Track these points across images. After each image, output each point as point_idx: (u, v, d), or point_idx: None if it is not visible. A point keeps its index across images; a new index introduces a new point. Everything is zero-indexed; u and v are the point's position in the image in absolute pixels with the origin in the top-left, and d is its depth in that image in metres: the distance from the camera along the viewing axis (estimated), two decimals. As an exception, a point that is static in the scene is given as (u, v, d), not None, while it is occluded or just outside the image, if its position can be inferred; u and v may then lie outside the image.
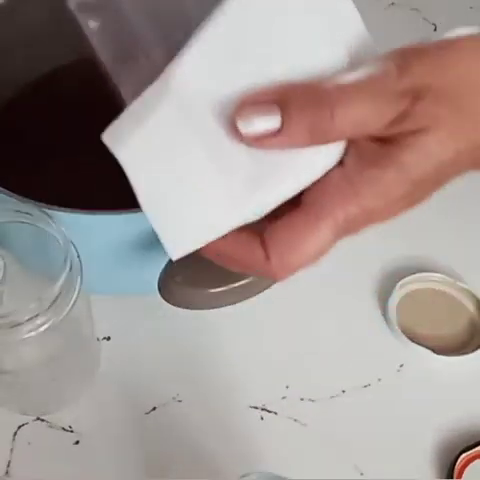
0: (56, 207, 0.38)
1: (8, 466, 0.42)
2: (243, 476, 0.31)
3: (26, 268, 0.44)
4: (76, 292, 0.38)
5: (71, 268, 0.36)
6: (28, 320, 0.35)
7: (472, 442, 0.43)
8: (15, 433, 0.43)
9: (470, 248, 0.53)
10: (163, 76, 0.23)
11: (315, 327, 0.48)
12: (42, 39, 0.55)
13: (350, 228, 0.23)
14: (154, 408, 0.45)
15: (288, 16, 0.22)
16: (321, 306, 0.49)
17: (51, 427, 0.44)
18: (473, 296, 0.49)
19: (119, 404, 0.45)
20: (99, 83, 0.53)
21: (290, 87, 0.22)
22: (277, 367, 0.47)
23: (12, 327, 0.35)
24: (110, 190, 0.48)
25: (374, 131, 0.22)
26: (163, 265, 0.41)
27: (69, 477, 0.42)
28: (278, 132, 0.21)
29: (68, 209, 0.38)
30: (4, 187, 0.39)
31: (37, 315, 0.35)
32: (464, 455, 0.42)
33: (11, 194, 0.39)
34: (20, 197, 0.39)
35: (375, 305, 0.50)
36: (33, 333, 0.36)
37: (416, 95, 0.21)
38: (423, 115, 0.22)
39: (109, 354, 0.47)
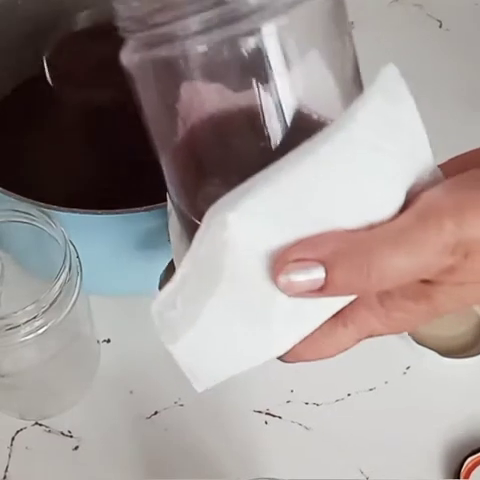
0: (56, 207, 0.38)
1: (6, 471, 0.42)
2: (247, 482, 0.31)
3: (25, 268, 0.44)
4: (75, 293, 0.37)
5: (70, 268, 0.36)
6: (26, 322, 0.35)
7: (479, 445, 0.42)
8: (13, 438, 0.43)
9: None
10: (215, 220, 0.21)
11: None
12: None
13: (371, 337, 0.25)
14: (156, 412, 0.44)
15: (366, 164, 0.22)
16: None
17: (50, 432, 0.43)
18: (480, 297, 0.49)
19: (119, 408, 0.44)
20: (103, 86, 0.53)
21: (337, 244, 0.22)
22: (281, 371, 0.46)
23: (10, 329, 0.35)
24: (110, 190, 0.48)
25: (419, 279, 0.23)
26: (163, 265, 0.40)
27: (68, 483, 0.41)
28: (320, 289, 0.22)
29: (68, 209, 0.38)
30: (4, 187, 0.39)
31: (35, 317, 0.35)
32: (470, 459, 0.42)
33: (10, 194, 0.39)
34: (19, 197, 0.39)
35: (381, 306, 0.49)
36: (31, 335, 0.35)
37: (466, 252, 0.22)
38: (469, 272, 0.22)
39: (109, 357, 0.46)
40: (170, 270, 0.40)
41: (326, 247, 0.21)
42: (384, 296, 0.24)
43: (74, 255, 0.37)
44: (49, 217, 0.37)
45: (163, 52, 0.21)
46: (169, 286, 0.23)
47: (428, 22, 0.68)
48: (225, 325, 0.23)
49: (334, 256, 0.21)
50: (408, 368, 0.46)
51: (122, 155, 0.51)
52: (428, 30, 0.68)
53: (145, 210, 0.38)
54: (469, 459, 0.42)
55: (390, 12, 0.69)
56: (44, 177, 0.50)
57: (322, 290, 0.22)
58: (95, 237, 0.41)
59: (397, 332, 0.25)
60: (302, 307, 0.23)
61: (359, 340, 0.25)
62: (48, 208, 0.38)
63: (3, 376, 0.40)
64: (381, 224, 0.22)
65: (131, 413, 0.44)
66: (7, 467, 0.42)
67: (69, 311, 0.37)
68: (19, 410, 0.44)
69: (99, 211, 0.38)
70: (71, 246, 0.37)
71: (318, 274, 0.21)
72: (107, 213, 0.38)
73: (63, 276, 0.35)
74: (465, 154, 0.25)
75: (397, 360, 0.47)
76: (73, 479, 0.42)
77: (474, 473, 0.41)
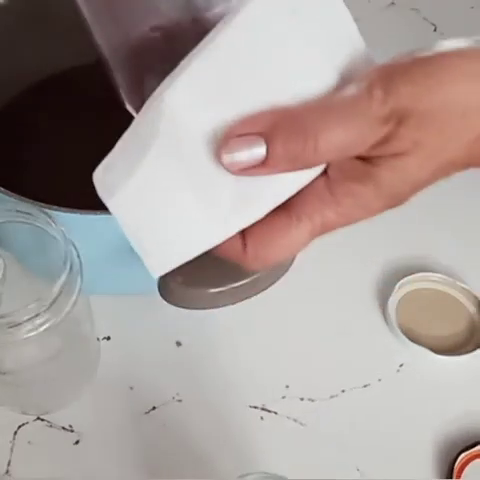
0: (56, 207, 0.38)
1: (8, 465, 0.42)
2: (243, 476, 0.31)
3: (26, 268, 0.44)
4: (76, 292, 0.38)
5: (71, 268, 0.36)
6: (28, 320, 0.35)
7: (471, 442, 0.43)
8: (15, 432, 0.43)
9: (470, 248, 0.53)
10: (154, 102, 0.23)
11: (315, 327, 0.48)
12: (51, 40, 0.55)
13: (326, 231, 0.25)
14: (154, 408, 0.45)
15: (286, 40, 0.22)
16: (321, 306, 0.49)
17: (51, 426, 0.44)
18: (473, 296, 0.49)
19: (119, 404, 0.45)
20: (101, 86, 0.53)
21: (274, 117, 0.22)
22: (277, 367, 0.46)
23: (12, 327, 0.35)
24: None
25: (356, 154, 0.23)
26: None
27: (69, 476, 0.42)
28: (263, 163, 0.22)
29: (68, 209, 0.38)
30: (4, 187, 0.39)
31: (37, 315, 0.35)
32: (463, 455, 0.42)
33: (11, 194, 0.39)
34: (20, 197, 0.39)
35: (375, 305, 0.49)
36: (33, 333, 0.36)
37: (399, 120, 0.22)
38: (405, 140, 0.22)
39: (109, 354, 0.47)
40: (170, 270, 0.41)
41: (265, 121, 0.22)
42: (332, 184, 0.24)
43: (74, 255, 0.38)
44: (49, 217, 0.37)
45: None
46: (109, 155, 0.25)
47: (424, 25, 0.68)
48: (161, 188, 0.23)
49: (273, 129, 0.22)
50: (401, 366, 0.47)
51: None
52: (424, 33, 0.67)
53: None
54: (462, 455, 0.42)
55: (386, 15, 0.69)
56: (44, 177, 0.50)
57: (265, 164, 0.22)
58: (95, 237, 0.41)
59: (351, 222, 0.25)
60: (249, 188, 0.23)
61: (314, 234, 0.25)
62: (48, 208, 0.38)
63: (5, 373, 0.40)
64: (316, 99, 0.22)
65: (130, 408, 0.44)
66: (9, 461, 0.42)
67: (70, 310, 0.37)
68: (21, 405, 0.44)
69: (99, 211, 0.38)
70: (71, 246, 0.37)
71: (260, 148, 0.22)
72: (107, 213, 0.38)
73: (64, 275, 0.35)
74: (406, 53, 0.25)
75: (391, 358, 0.47)
76: (74, 472, 0.42)
77: (467, 469, 0.42)
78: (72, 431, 0.43)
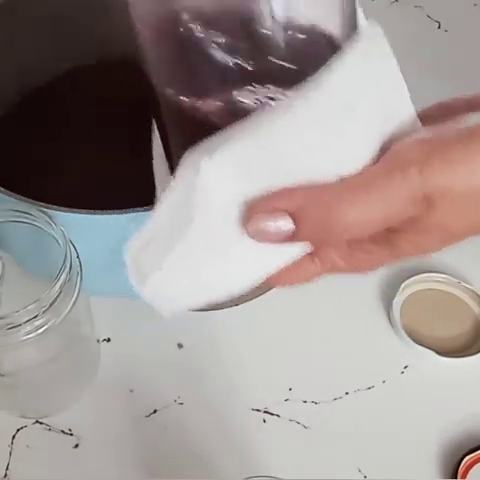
0: (56, 207, 0.38)
1: (7, 469, 0.42)
2: (246, 480, 0.31)
3: (25, 268, 0.44)
4: (75, 293, 0.37)
5: (70, 268, 0.36)
6: (27, 321, 0.35)
7: (476, 444, 0.42)
8: (14, 436, 0.43)
9: (475, 248, 0.52)
10: (188, 170, 0.22)
11: (318, 329, 0.48)
12: (52, 40, 0.55)
13: (332, 273, 0.26)
14: (155, 411, 0.44)
15: (334, 122, 0.22)
16: (325, 307, 0.49)
17: (50, 430, 0.43)
18: (478, 297, 0.49)
19: (119, 407, 0.44)
20: (102, 86, 0.53)
21: (306, 195, 0.22)
22: (279, 369, 0.46)
23: (11, 328, 0.35)
24: (110, 190, 0.48)
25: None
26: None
27: (69, 481, 0.41)
28: (288, 237, 0.23)
29: (68, 209, 0.38)
30: (4, 187, 0.39)
31: (36, 316, 0.35)
32: (468, 457, 0.42)
33: (11, 194, 0.39)
34: (19, 197, 0.39)
35: (379, 306, 0.49)
36: (32, 335, 0.35)
37: (430, 204, 0.22)
38: (431, 223, 0.23)
39: (109, 356, 0.46)
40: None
41: (296, 199, 0.22)
42: (350, 240, 0.25)
43: (74, 255, 0.37)
44: (49, 217, 0.37)
45: None
46: (143, 230, 0.24)
47: (427, 23, 0.68)
48: (192, 266, 0.24)
49: (302, 208, 0.22)
50: (406, 367, 0.46)
51: (122, 155, 0.51)
52: (427, 31, 0.68)
53: (145, 210, 0.38)
54: (467, 458, 0.42)
55: (390, 13, 0.70)
56: (44, 177, 0.50)
57: (289, 239, 0.23)
58: (95, 237, 0.41)
59: (357, 272, 0.26)
60: (268, 250, 0.23)
61: (321, 274, 0.26)
62: (48, 208, 0.38)
63: (4, 375, 0.40)
64: (351, 176, 0.22)
65: (131, 411, 0.44)
66: (8, 465, 0.42)
67: (69, 311, 0.37)
68: (20, 409, 0.44)
69: (99, 211, 0.38)
70: (71, 246, 0.37)
71: (286, 225, 0.22)
72: (107, 213, 0.38)
73: (63, 276, 0.35)
74: (451, 100, 0.25)
75: (395, 359, 0.47)
76: (73, 477, 0.42)
77: (472, 472, 0.41)
78: (71, 435, 0.43)
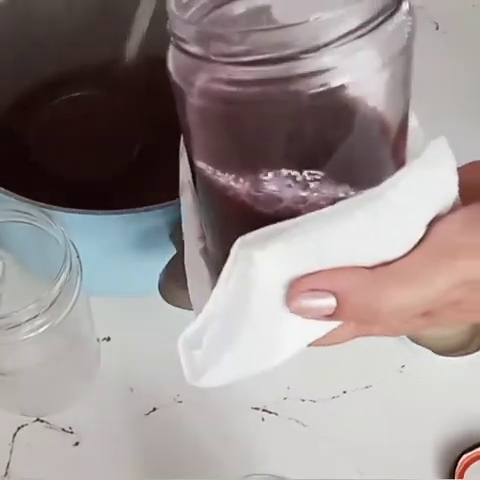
0: (56, 207, 0.38)
1: (7, 467, 0.42)
2: (245, 477, 0.31)
3: (25, 268, 0.44)
4: (76, 292, 0.37)
5: (71, 268, 0.36)
6: (27, 321, 0.35)
7: (473, 443, 0.43)
8: (15, 434, 0.43)
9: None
10: (241, 260, 0.22)
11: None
12: (52, 40, 0.55)
13: (369, 336, 0.27)
14: (154, 409, 0.44)
15: (394, 223, 0.22)
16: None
17: (51, 428, 0.43)
18: (475, 296, 0.49)
19: (119, 405, 0.45)
20: (103, 87, 0.53)
21: (349, 275, 0.23)
22: (278, 368, 0.46)
23: (11, 328, 0.35)
24: (110, 190, 0.48)
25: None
26: (163, 265, 0.41)
27: (69, 479, 0.42)
28: (330, 316, 0.23)
29: (68, 209, 0.38)
30: (4, 187, 0.39)
31: (36, 316, 0.35)
32: (465, 456, 0.42)
33: (11, 194, 0.39)
34: (20, 197, 0.39)
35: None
36: (32, 334, 0.35)
37: (473, 288, 0.22)
38: (472, 304, 0.23)
39: (109, 355, 0.46)
40: (169, 269, 0.40)
41: (340, 280, 0.22)
42: None
43: (74, 255, 0.37)
44: (49, 217, 0.37)
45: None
46: (196, 323, 0.24)
47: (425, 24, 0.68)
48: (244, 357, 0.24)
49: (346, 290, 0.22)
50: (403, 366, 0.47)
51: (122, 155, 0.51)
52: (425, 32, 0.68)
53: (145, 210, 0.38)
54: (464, 456, 0.42)
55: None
56: (44, 177, 0.50)
57: (331, 317, 0.23)
58: (95, 237, 0.41)
59: (393, 336, 0.26)
60: (311, 325, 0.24)
61: (357, 337, 0.26)
62: (48, 208, 0.38)
63: (4, 374, 0.40)
64: (396, 259, 0.22)
65: (130, 410, 0.44)
66: (9, 463, 0.42)
67: (69, 310, 0.37)
68: (20, 407, 0.44)
69: (99, 211, 0.38)
70: (71, 246, 0.37)
71: (329, 305, 0.22)
72: (107, 213, 0.38)
73: (63, 276, 0.35)
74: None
75: (393, 358, 0.47)
76: (74, 475, 0.42)
77: (469, 470, 0.41)
78: (72, 433, 0.43)
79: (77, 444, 0.43)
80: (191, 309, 0.41)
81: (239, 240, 0.22)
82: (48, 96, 0.55)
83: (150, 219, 0.39)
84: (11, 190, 0.39)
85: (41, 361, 0.40)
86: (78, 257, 0.38)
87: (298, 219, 0.21)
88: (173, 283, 0.40)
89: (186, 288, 0.38)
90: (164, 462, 0.42)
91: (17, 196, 0.39)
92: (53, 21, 0.54)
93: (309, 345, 0.26)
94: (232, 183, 0.22)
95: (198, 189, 0.25)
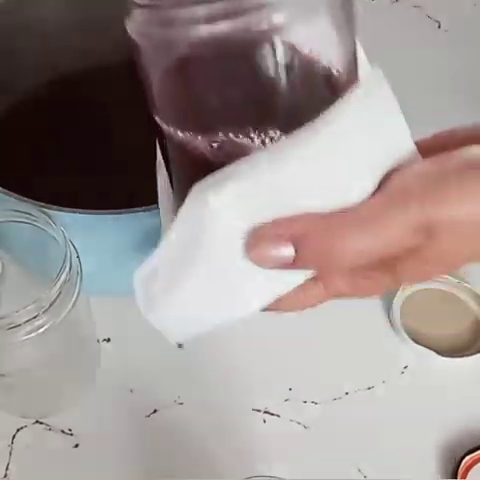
0: (56, 207, 0.38)
1: (7, 469, 0.42)
2: (247, 479, 0.31)
3: (25, 268, 0.44)
4: (75, 293, 0.37)
5: (70, 268, 0.36)
6: (27, 321, 0.35)
7: (476, 444, 0.42)
8: (14, 436, 0.43)
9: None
10: (197, 203, 0.23)
11: (318, 328, 0.48)
12: (52, 40, 0.55)
13: (336, 298, 0.27)
14: (155, 411, 0.44)
15: (342, 153, 0.23)
16: (324, 307, 0.49)
17: (50, 430, 0.43)
18: (477, 296, 0.49)
19: (119, 407, 0.44)
20: (102, 87, 0.53)
21: (307, 223, 0.23)
22: (280, 369, 0.46)
23: (11, 328, 0.35)
24: (110, 190, 0.48)
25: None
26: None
27: (69, 481, 0.41)
28: (290, 264, 0.23)
29: (68, 209, 0.38)
30: (4, 187, 0.39)
31: (36, 316, 0.35)
32: (468, 457, 0.42)
33: (10, 194, 0.39)
34: (20, 197, 0.39)
35: (379, 306, 0.49)
36: (32, 334, 0.35)
37: (430, 233, 0.23)
38: (432, 251, 0.23)
39: (109, 356, 0.46)
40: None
41: (297, 227, 0.23)
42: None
43: (74, 255, 0.37)
44: (49, 217, 0.37)
45: (171, 34, 0.21)
46: (152, 259, 0.25)
47: (427, 23, 0.68)
48: (200, 295, 0.25)
49: (303, 236, 0.23)
50: (406, 367, 0.46)
51: (122, 155, 0.51)
52: (427, 31, 0.68)
53: (145, 210, 0.38)
54: (467, 458, 0.42)
55: (390, 12, 0.70)
56: (44, 177, 0.50)
57: (291, 265, 0.23)
58: (95, 237, 0.41)
59: (361, 296, 0.27)
60: (275, 275, 0.24)
61: (325, 299, 0.27)
62: (48, 208, 0.38)
63: (4, 375, 0.40)
64: (352, 206, 0.23)
65: (131, 411, 0.44)
66: (8, 465, 0.42)
67: (69, 311, 0.37)
68: (20, 409, 0.44)
69: (99, 211, 0.38)
70: (71, 246, 0.37)
71: (288, 252, 0.23)
72: (107, 213, 0.38)
73: (63, 276, 0.35)
74: (448, 131, 0.26)
75: (395, 359, 0.47)
76: (73, 477, 0.42)
77: (472, 472, 0.41)
78: (71, 435, 0.43)
79: (77, 446, 0.43)
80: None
81: (195, 185, 0.22)
82: (48, 96, 0.55)
83: (150, 219, 0.39)
84: (11, 190, 0.39)
85: (41, 362, 0.40)
86: (78, 257, 0.38)
87: (249, 161, 0.22)
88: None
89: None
90: (165, 464, 0.42)
91: (17, 196, 0.39)
92: (53, 21, 0.54)
93: (281, 309, 0.26)
94: (192, 142, 0.23)
95: (166, 155, 0.26)
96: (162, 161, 0.28)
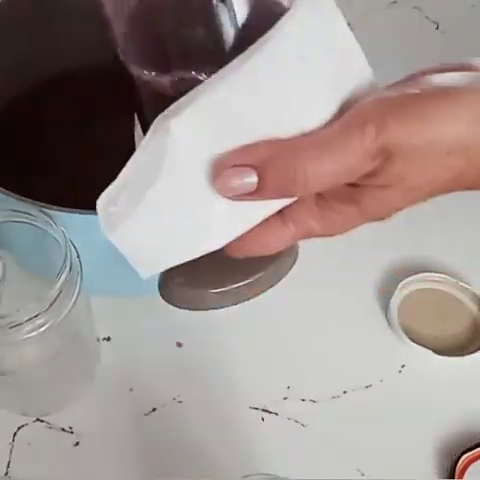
0: (56, 207, 0.38)
1: (8, 467, 0.42)
2: (244, 477, 0.31)
3: (26, 268, 0.44)
4: (76, 292, 0.37)
5: (71, 268, 0.36)
6: (28, 320, 0.35)
7: (473, 443, 0.43)
8: (15, 434, 0.43)
9: (472, 248, 0.53)
10: (159, 130, 0.23)
11: (316, 327, 0.48)
12: (52, 40, 0.55)
13: (308, 237, 0.27)
14: (154, 409, 0.44)
15: (292, 78, 0.23)
16: (323, 306, 0.49)
17: (51, 428, 0.43)
18: (475, 296, 0.49)
19: (119, 405, 0.44)
20: (102, 87, 0.53)
21: (268, 150, 0.24)
22: (278, 368, 0.46)
23: (12, 327, 0.35)
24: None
25: (343, 184, 0.25)
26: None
27: (69, 478, 0.42)
28: (253, 193, 0.24)
29: (68, 209, 0.38)
30: (4, 187, 0.39)
31: (37, 315, 0.35)
32: (465, 456, 0.42)
33: (10, 194, 0.39)
34: (20, 197, 0.39)
35: (377, 305, 0.49)
36: (33, 333, 0.35)
37: (387, 157, 0.23)
38: (390, 176, 0.24)
39: (109, 355, 0.46)
40: (169, 268, 0.40)
41: (258, 153, 0.23)
42: (319, 198, 0.26)
43: (74, 255, 0.38)
44: (49, 217, 0.37)
45: None
46: (113, 183, 0.25)
47: (426, 24, 0.68)
48: (162, 218, 0.25)
49: (265, 162, 0.23)
50: (403, 366, 0.47)
51: (122, 155, 0.51)
52: (425, 32, 0.68)
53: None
54: (464, 456, 0.42)
55: (389, 14, 0.69)
56: (44, 177, 0.50)
57: (255, 193, 0.24)
58: (95, 237, 0.40)
59: (333, 233, 0.27)
60: (238, 207, 0.24)
61: (297, 238, 0.27)
62: (48, 208, 0.38)
63: (5, 374, 0.40)
64: (312, 132, 0.24)
65: (130, 410, 0.44)
66: (9, 463, 0.42)
67: (69, 310, 0.37)
68: (20, 407, 0.44)
69: (99, 211, 0.38)
70: (71, 246, 0.37)
71: (251, 179, 0.23)
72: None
73: (64, 276, 0.35)
74: (419, 72, 0.26)
75: (393, 358, 0.47)
76: (74, 474, 0.42)
77: (469, 470, 0.41)
78: (72, 433, 0.43)
79: (77, 444, 0.43)
80: (191, 309, 0.42)
81: (159, 115, 0.23)
82: (48, 96, 0.55)
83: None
84: (11, 190, 0.39)
85: (41, 361, 0.40)
86: (78, 257, 0.38)
87: (205, 90, 0.23)
88: (173, 283, 0.40)
89: (186, 287, 0.38)
90: (164, 462, 0.42)
91: (17, 196, 0.39)
92: (53, 21, 0.54)
93: (251, 251, 0.26)
94: (157, 82, 0.25)
95: (137, 100, 0.27)
96: (137, 119, 0.29)
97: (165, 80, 0.24)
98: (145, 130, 0.27)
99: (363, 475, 0.42)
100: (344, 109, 0.24)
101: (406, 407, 0.45)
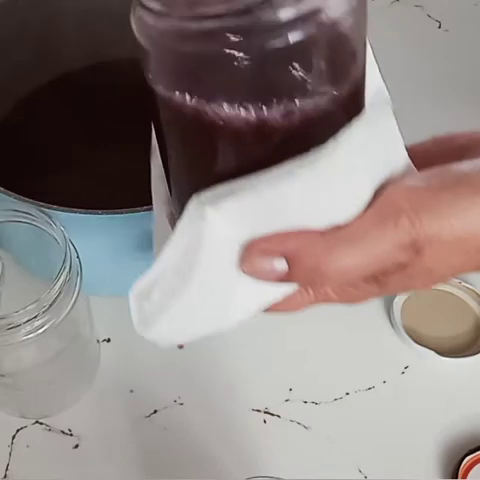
0: (56, 207, 0.38)
1: (6, 469, 0.42)
2: (247, 480, 0.31)
3: (25, 268, 0.44)
4: (75, 293, 0.37)
5: (70, 268, 0.36)
6: (27, 322, 0.35)
7: (477, 444, 0.42)
8: (14, 436, 0.43)
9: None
10: (194, 217, 0.23)
11: (319, 329, 0.48)
12: (52, 40, 0.55)
13: (324, 303, 0.27)
14: (155, 411, 0.44)
15: (349, 180, 0.23)
16: (325, 307, 0.49)
17: (50, 430, 0.43)
18: (479, 297, 0.49)
19: (119, 407, 0.44)
20: (103, 87, 0.53)
21: (300, 241, 0.24)
22: (280, 369, 0.46)
23: (11, 329, 0.35)
24: (110, 190, 0.48)
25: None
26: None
27: (69, 481, 0.41)
28: (283, 278, 0.24)
29: (68, 209, 0.38)
30: (4, 187, 0.39)
31: (36, 316, 0.35)
32: (469, 457, 0.42)
33: (10, 193, 0.39)
34: (19, 197, 0.39)
35: (380, 306, 0.49)
36: (32, 335, 0.35)
37: (418, 250, 0.23)
38: (419, 268, 0.24)
39: (109, 356, 0.46)
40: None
41: (292, 243, 0.23)
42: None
43: (74, 255, 0.37)
44: (49, 217, 0.37)
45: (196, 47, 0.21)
46: (147, 276, 0.25)
47: (428, 23, 0.68)
48: (195, 307, 0.25)
49: (296, 252, 0.23)
50: (406, 368, 0.46)
51: (122, 155, 0.51)
52: (428, 30, 0.68)
53: (145, 210, 0.38)
54: (467, 458, 0.42)
55: (391, 12, 0.70)
56: (44, 177, 0.50)
57: (284, 279, 0.24)
58: (95, 237, 0.41)
59: (347, 303, 0.27)
60: (266, 286, 0.25)
61: (314, 304, 0.27)
62: (48, 208, 0.38)
63: (4, 375, 0.40)
64: (346, 222, 0.24)
65: (131, 412, 0.44)
66: (8, 465, 0.42)
67: (69, 311, 0.37)
68: (20, 409, 0.44)
69: (99, 211, 0.38)
70: (71, 246, 0.37)
71: (281, 266, 0.24)
72: (107, 213, 0.38)
73: (63, 276, 0.35)
74: (447, 136, 0.26)
75: (396, 360, 0.47)
76: (73, 477, 0.41)
77: (472, 472, 0.41)
78: (71, 435, 0.43)
79: (77, 446, 0.43)
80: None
81: (194, 198, 0.23)
82: (48, 96, 0.55)
83: (150, 219, 0.39)
84: (11, 190, 0.39)
85: (40, 362, 0.40)
86: (78, 257, 0.38)
87: (252, 179, 0.22)
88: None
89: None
90: (165, 464, 0.42)
91: (17, 196, 0.39)
92: (53, 21, 0.54)
93: (268, 311, 0.27)
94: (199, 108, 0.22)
95: (162, 131, 0.26)
96: (157, 146, 0.28)
97: (206, 108, 0.22)
98: (164, 166, 0.27)
99: (366, 477, 0.42)
100: (378, 190, 0.24)
101: (409, 409, 0.45)
